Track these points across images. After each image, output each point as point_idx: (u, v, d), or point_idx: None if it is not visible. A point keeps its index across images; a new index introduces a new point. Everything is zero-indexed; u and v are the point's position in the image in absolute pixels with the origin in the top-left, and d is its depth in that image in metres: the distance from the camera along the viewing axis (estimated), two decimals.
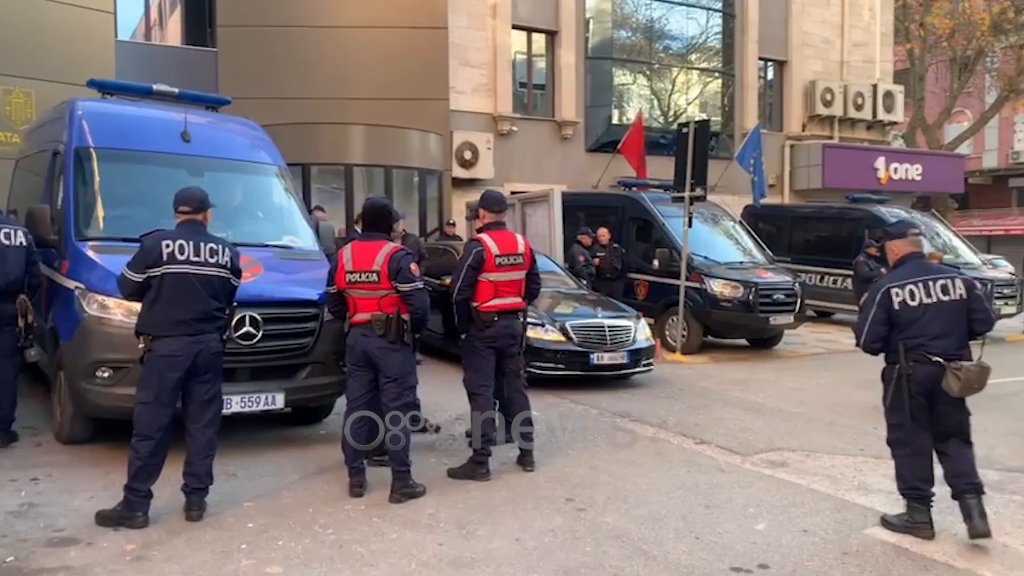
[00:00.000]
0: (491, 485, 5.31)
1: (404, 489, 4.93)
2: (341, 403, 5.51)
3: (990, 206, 30.73)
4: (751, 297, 11.18)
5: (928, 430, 4.51)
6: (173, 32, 23.06)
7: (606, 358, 8.61)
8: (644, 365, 9.04)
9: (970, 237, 19.21)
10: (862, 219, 15.24)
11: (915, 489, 4.55)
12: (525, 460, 5.69)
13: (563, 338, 8.53)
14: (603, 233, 12.18)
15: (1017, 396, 8.78)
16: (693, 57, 19.05)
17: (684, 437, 6.77)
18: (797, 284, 11.93)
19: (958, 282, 4.52)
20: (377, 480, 5.09)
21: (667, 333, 11.58)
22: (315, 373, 5.91)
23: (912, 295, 4.47)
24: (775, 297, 11.46)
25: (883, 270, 12.95)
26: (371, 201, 5.28)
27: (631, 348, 8.78)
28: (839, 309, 15.24)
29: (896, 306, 4.49)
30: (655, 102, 18.57)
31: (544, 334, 8.49)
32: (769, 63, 19.47)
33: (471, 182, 14.83)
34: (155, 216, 5.41)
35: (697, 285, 11.36)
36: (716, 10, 18.66)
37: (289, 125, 12.17)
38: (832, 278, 15.21)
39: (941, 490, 4.58)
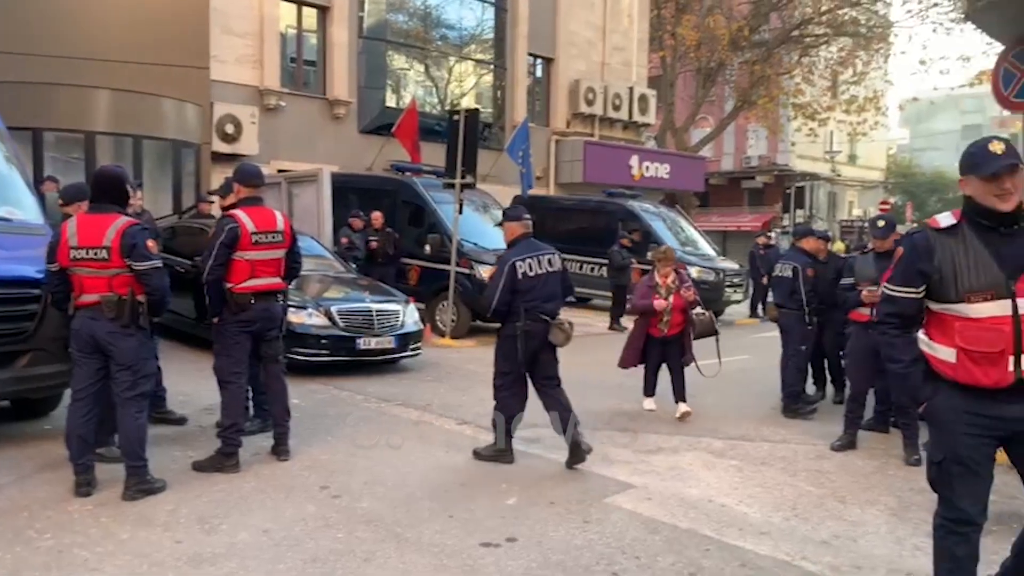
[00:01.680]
0: (240, 476, 5.04)
1: (140, 486, 4.54)
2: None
3: (726, 205, 34.37)
4: None
5: (525, 376, 5.60)
6: None
7: (373, 343, 8.52)
8: (412, 349, 9.05)
9: (709, 232, 21.34)
10: (617, 212, 16.39)
11: (508, 423, 5.63)
12: (279, 449, 5.46)
13: (328, 323, 8.31)
14: (376, 217, 12.04)
15: (741, 372, 9.84)
16: (468, 48, 19.34)
17: (446, 418, 6.87)
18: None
19: (555, 258, 5.67)
20: (110, 478, 4.65)
21: (437, 318, 11.70)
22: (37, 361, 5.26)
23: (530, 267, 5.45)
24: None
25: (634, 260, 14.08)
26: (102, 169, 4.78)
27: (399, 333, 8.76)
28: (596, 295, 16.28)
29: (520, 276, 5.39)
30: (431, 89, 18.64)
31: (307, 319, 8.22)
32: (538, 59, 20.24)
33: (233, 158, 13.97)
34: None
35: (467, 271, 11.58)
36: (489, 3, 19.06)
37: (19, 84, 10.76)
38: (590, 266, 16.20)
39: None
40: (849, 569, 4.03)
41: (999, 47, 6.97)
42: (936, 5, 22.40)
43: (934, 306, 3.10)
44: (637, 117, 21.58)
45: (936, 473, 3.14)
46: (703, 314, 7.33)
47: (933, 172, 47.64)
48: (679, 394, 7.31)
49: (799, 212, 19.28)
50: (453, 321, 11.51)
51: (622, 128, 21.69)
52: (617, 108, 20.97)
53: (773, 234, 18.83)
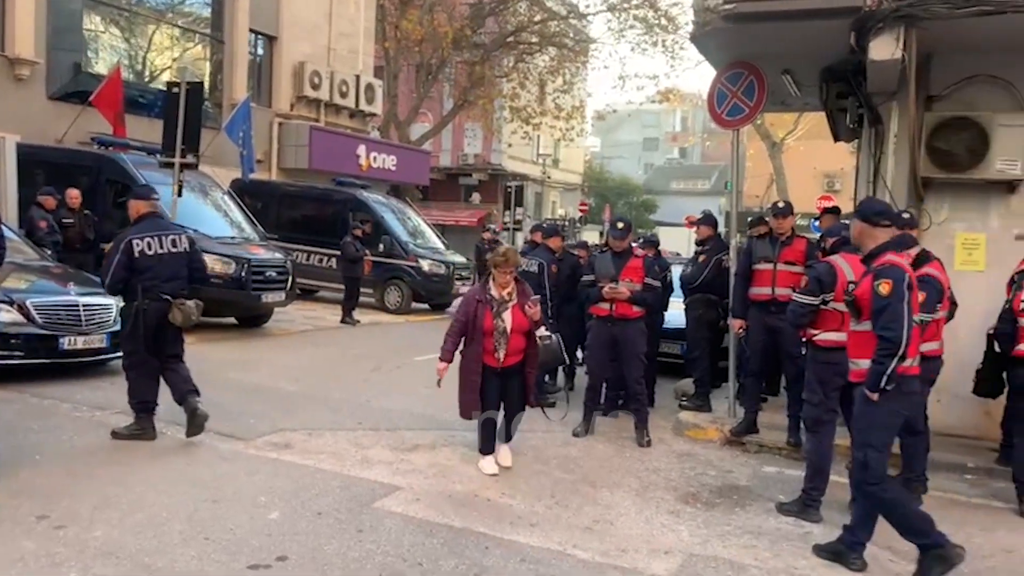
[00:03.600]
0: None
1: None
2: None
3: (444, 199, 35.22)
4: (243, 274, 10.80)
5: (154, 355, 5.68)
6: None
7: (80, 342, 7.40)
8: None
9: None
10: (347, 202, 16.02)
11: (144, 403, 5.71)
12: None
13: (22, 319, 7.07)
14: (73, 195, 10.54)
15: None
16: (182, 16, 17.64)
17: (179, 426, 6.15)
18: (289, 262, 11.95)
19: (183, 238, 5.80)
20: None
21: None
22: None
23: (149, 246, 5.55)
24: (267, 274, 11.29)
25: (367, 252, 13.84)
26: None
27: (111, 330, 7.69)
28: (324, 287, 15.78)
29: (136, 254, 5.49)
30: (136, 57, 16.70)
31: None
32: (260, 36, 19.07)
33: None
34: None
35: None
36: None
37: None
38: (319, 257, 15.66)
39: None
40: (617, 553, 4.27)
41: (681, 69, 7.87)
42: (633, 27, 24.80)
43: None
44: (364, 106, 21.24)
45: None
46: (548, 337, 5.73)
47: (620, 178, 52.92)
48: (504, 434, 5.79)
49: (518, 210, 20.35)
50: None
51: (349, 116, 21.21)
52: (344, 95, 20.46)
53: (496, 227, 19.60)
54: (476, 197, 32.80)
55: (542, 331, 5.67)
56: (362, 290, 14.03)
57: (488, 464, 5.56)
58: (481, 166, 35.67)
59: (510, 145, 31.45)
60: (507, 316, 5.50)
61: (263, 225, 13.19)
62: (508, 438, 5.79)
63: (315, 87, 19.63)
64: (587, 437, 6.69)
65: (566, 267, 8.02)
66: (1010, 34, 6.09)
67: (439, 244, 16.84)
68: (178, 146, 10.14)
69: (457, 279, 15.68)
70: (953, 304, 5.71)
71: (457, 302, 5.86)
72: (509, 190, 20.35)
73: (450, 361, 5.56)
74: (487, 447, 5.64)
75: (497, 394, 5.65)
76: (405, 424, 6.77)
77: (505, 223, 19.93)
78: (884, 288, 3.98)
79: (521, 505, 4.93)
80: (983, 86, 6.55)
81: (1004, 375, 5.76)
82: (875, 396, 4.01)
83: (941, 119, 6.46)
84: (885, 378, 3.95)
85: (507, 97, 25.63)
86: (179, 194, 10.21)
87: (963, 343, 6.09)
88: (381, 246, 15.13)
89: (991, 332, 5.90)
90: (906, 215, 5.89)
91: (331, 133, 19.94)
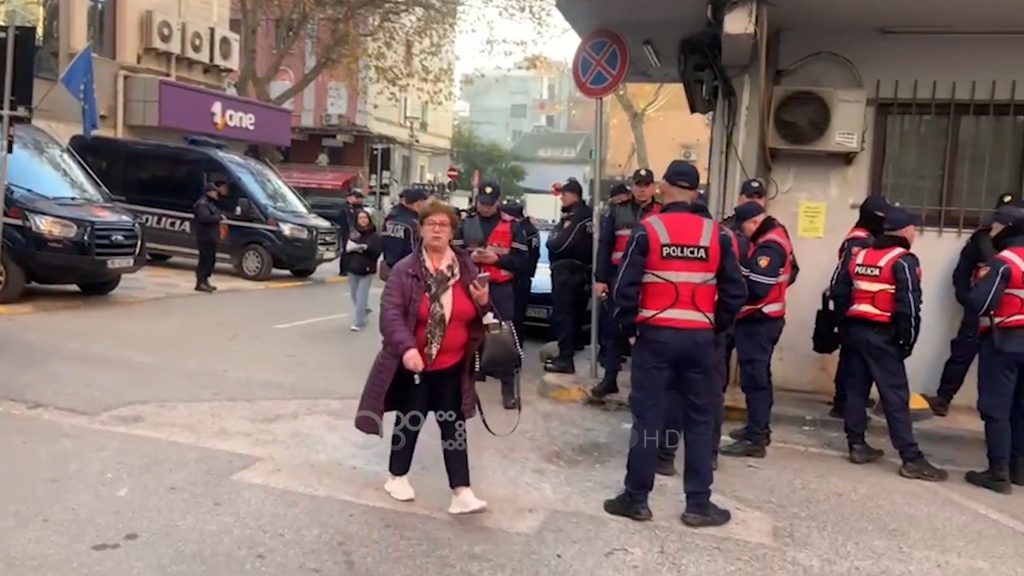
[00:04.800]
0: None
1: None
2: None
3: (306, 161, 34.05)
4: (86, 238, 10.06)
5: None
6: None
7: None
8: None
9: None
10: (201, 162, 15.20)
11: None
12: None
13: None
14: None
15: (344, 331, 9.93)
16: None
17: (13, 402, 5.71)
18: (137, 225, 11.23)
19: None
20: None
21: None
22: None
23: None
24: (114, 238, 10.57)
25: (223, 215, 13.20)
26: None
27: None
28: (177, 252, 14.96)
29: None
30: None
31: None
32: None
33: None
34: None
35: (18, 222, 9.71)
36: None
37: None
38: (170, 220, 14.81)
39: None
40: (483, 513, 4.31)
41: (548, 36, 7.91)
42: None
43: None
44: (219, 61, 20.08)
45: None
46: (498, 325, 4.22)
47: (489, 143, 53.04)
48: (458, 476, 4.32)
49: (385, 173, 19.89)
50: (1, 283, 9.60)
51: (202, 71, 20.00)
52: (197, 49, 19.25)
53: (362, 191, 19.18)
54: (323, 159, 31.82)
55: (490, 317, 4.21)
56: (218, 255, 13.42)
57: (400, 487, 4.43)
58: (346, 127, 34.71)
59: (376, 106, 30.73)
60: (447, 299, 4.09)
61: (108, 186, 12.30)
62: (464, 477, 4.31)
63: (164, 39, 18.37)
64: None
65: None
66: (850, 15, 6.51)
67: (301, 208, 16.31)
68: (7, 97, 9.21)
69: (321, 244, 15.28)
70: (795, 268, 6.10)
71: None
72: (375, 153, 19.91)
73: (414, 344, 4.01)
74: (399, 464, 4.47)
75: (421, 403, 4.26)
76: (265, 394, 6.56)
77: (371, 187, 19.50)
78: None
79: (387, 472, 4.88)
80: (826, 63, 6.97)
81: (836, 332, 6.26)
82: None
83: (788, 93, 6.82)
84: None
85: (373, 57, 24.95)
86: (9, 150, 9.32)
87: (804, 304, 6.53)
88: (238, 209, 14.48)
89: (826, 293, 6.37)
90: (755, 184, 6.22)
91: (183, 88, 18.75)
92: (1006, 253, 5.25)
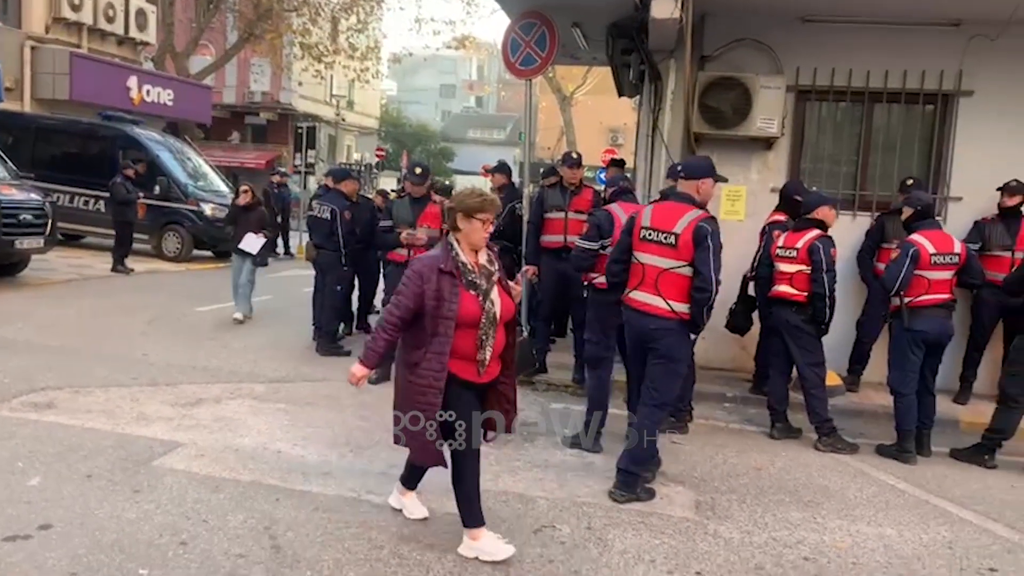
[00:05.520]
0: None
1: None
2: None
3: (227, 139, 33.05)
4: None
5: None
6: None
7: None
8: None
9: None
10: (117, 139, 14.62)
11: None
12: None
13: None
14: None
15: (268, 313, 9.70)
16: None
17: None
18: (47, 204, 10.73)
19: None
20: None
21: None
22: None
23: None
24: (22, 217, 10.08)
25: (140, 194, 12.72)
26: None
27: None
28: (91, 232, 14.37)
29: None
30: None
31: None
32: None
33: None
34: None
35: None
36: None
37: None
38: (84, 199, 14.20)
39: None
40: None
41: (477, 16, 7.91)
42: None
43: None
44: (135, 33, 19.27)
45: None
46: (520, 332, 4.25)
47: (418, 124, 52.49)
48: (469, 517, 3.67)
49: (310, 153, 19.43)
50: None
51: (117, 43, 19.15)
52: (111, 20, 18.41)
53: (286, 170, 18.75)
54: (235, 136, 30.93)
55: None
56: (136, 236, 12.93)
57: (415, 506, 4.01)
58: (269, 105, 33.86)
59: (301, 84, 30.04)
60: (495, 296, 3.55)
61: (15, 162, 11.69)
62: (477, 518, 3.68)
63: (75, 8, 17.51)
64: (383, 384, 6.65)
65: (363, 212, 7.86)
66: (769, 2, 6.67)
67: (223, 187, 15.84)
68: None
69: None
70: None
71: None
72: (300, 131, 19.41)
73: (373, 367, 3.55)
74: (413, 480, 4.00)
75: (472, 420, 3.51)
76: (187, 378, 6.39)
77: (296, 166, 19.03)
78: None
79: (314, 455, 4.83)
80: (748, 49, 7.12)
81: (754, 314, 6.47)
82: None
83: (712, 78, 6.95)
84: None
85: (297, 33, 24.33)
86: None
87: (726, 286, 6.67)
88: (157, 188, 13.99)
89: (747, 275, 6.56)
90: (680, 168, 6.33)
91: (96, 61, 17.93)
92: (915, 236, 5.49)
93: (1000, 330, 6.76)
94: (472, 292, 3.47)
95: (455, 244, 3.56)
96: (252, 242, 8.85)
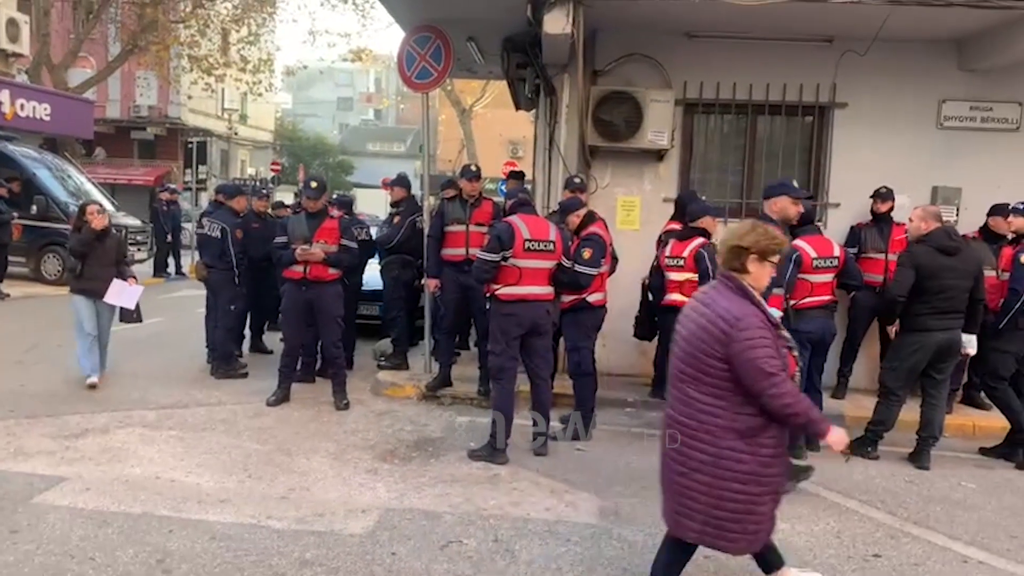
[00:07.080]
0: None
1: None
2: None
3: (114, 156, 31.56)
4: None
5: None
6: None
7: None
8: None
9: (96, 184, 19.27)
10: None
11: None
12: None
13: None
14: None
15: (158, 336, 9.30)
16: None
17: None
18: None
19: None
20: None
21: None
22: None
23: None
24: None
25: (15, 214, 12.01)
26: None
27: None
28: None
29: None
30: None
31: None
32: None
33: None
34: None
35: None
36: None
37: None
38: None
39: None
40: (313, 518, 4.21)
41: (373, 29, 7.83)
42: None
43: None
44: (6, 44, 18.11)
45: None
46: None
47: (315, 137, 51.51)
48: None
49: (201, 168, 18.70)
50: None
51: None
52: None
53: (176, 187, 18.04)
54: (100, 153, 29.56)
55: None
56: (11, 258, 12.17)
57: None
58: (157, 119, 32.55)
59: (190, 97, 28.89)
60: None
61: None
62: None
63: None
64: (282, 406, 6.49)
65: (270, 230, 7.61)
66: (657, 19, 6.89)
67: (109, 205, 15.10)
68: None
69: (132, 244, 14.24)
70: (615, 259, 6.39)
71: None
72: (190, 146, 18.71)
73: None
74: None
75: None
76: (70, 408, 6.05)
77: (186, 182, 18.34)
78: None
79: (210, 482, 4.65)
80: (639, 64, 7.34)
81: (655, 319, 6.64)
82: None
83: (604, 92, 7.13)
84: None
85: (185, 45, 23.49)
86: None
87: (623, 294, 6.86)
88: (34, 208, 13.22)
89: (644, 282, 6.73)
90: (576, 180, 6.46)
91: None
92: (798, 241, 5.76)
93: (875, 328, 7.16)
94: (790, 351, 3.10)
95: (752, 296, 3.02)
96: (126, 294, 6.75)
